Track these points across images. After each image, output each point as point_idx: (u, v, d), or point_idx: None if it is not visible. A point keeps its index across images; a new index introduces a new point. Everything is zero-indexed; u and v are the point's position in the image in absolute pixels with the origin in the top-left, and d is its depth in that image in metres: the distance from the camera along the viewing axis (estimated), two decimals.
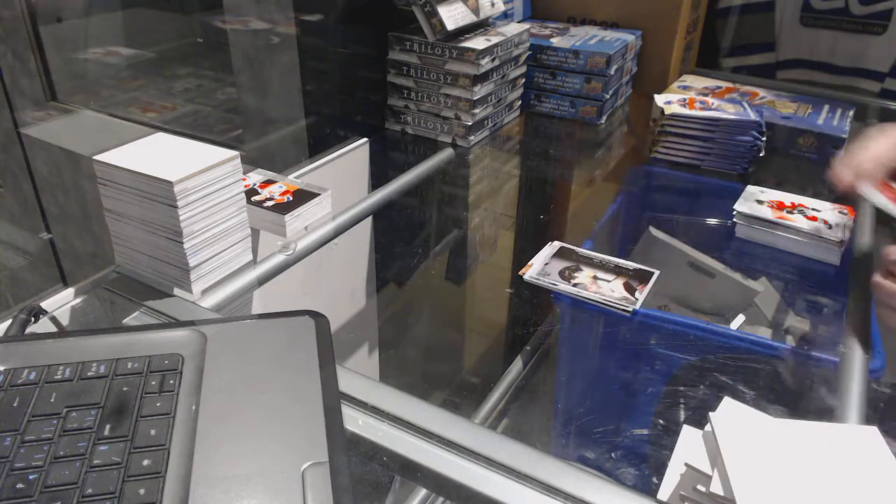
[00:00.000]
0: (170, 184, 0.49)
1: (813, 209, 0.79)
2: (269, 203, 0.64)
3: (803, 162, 0.94)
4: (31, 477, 0.35)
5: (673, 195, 0.97)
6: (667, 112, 0.93)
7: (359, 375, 0.46)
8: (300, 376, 0.43)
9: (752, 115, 0.90)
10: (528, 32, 0.99)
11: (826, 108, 1.00)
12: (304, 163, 0.84)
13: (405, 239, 0.93)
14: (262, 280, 0.61)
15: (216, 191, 0.53)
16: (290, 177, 0.70)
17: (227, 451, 0.37)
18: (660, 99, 0.97)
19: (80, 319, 0.54)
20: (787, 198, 0.82)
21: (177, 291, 0.55)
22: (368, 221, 0.81)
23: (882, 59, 1.22)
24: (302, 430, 0.39)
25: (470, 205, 0.96)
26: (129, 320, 0.52)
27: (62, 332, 0.53)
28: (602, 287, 0.67)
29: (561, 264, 0.71)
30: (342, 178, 0.89)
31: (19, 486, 0.34)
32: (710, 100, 0.95)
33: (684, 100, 0.96)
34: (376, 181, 0.89)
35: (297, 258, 0.65)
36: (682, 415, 0.68)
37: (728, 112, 0.92)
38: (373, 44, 0.93)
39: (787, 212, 0.78)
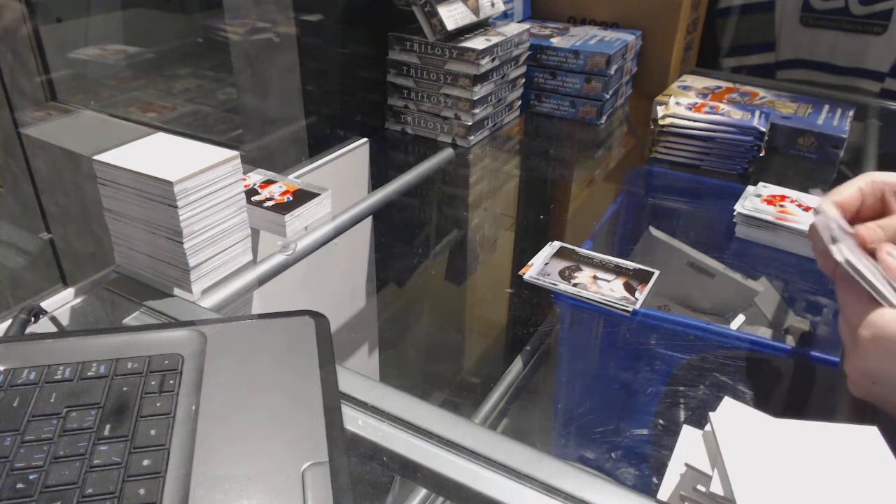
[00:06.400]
0: (170, 184, 0.49)
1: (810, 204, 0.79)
2: (269, 203, 0.64)
3: (803, 162, 0.94)
4: (31, 477, 0.35)
5: (673, 195, 0.97)
6: (669, 112, 0.93)
7: (359, 375, 0.46)
8: (300, 376, 0.43)
9: (756, 122, 0.90)
10: (528, 32, 0.99)
11: (826, 108, 1.00)
12: (304, 163, 0.84)
13: (405, 239, 0.93)
14: (262, 280, 0.61)
15: (216, 191, 0.53)
16: (290, 177, 0.70)
17: (227, 451, 0.37)
18: (668, 101, 0.97)
19: (80, 319, 0.54)
20: (788, 192, 0.82)
21: (177, 291, 0.55)
22: (368, 221, 0.81)
23: (882, 59, 1.22)
24: (302, 430, 0.39)
25: (470, 205, 0.96)
26: (129, 320, 0.52)
27: (62, 332, 0.53)
28: (602, 287, 0.67)
29: (561, 264, 0.71)
30: (342, 178, 0.89)
31: (19, 486, 0.34)
32: (720, 104, 0.95)
33: (693, 104, 0.96)
34: (376, 181, 0.89)
35: (297, 258, 0.65)
36: (682, 415, 0.68)
37: (732, 117, 0.92)
38: (373, 44, 0.93)
39: (786, 204, 0.78)
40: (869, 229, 0.48)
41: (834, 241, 0.46)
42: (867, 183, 0.50)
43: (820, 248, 0.48)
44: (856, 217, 0.51)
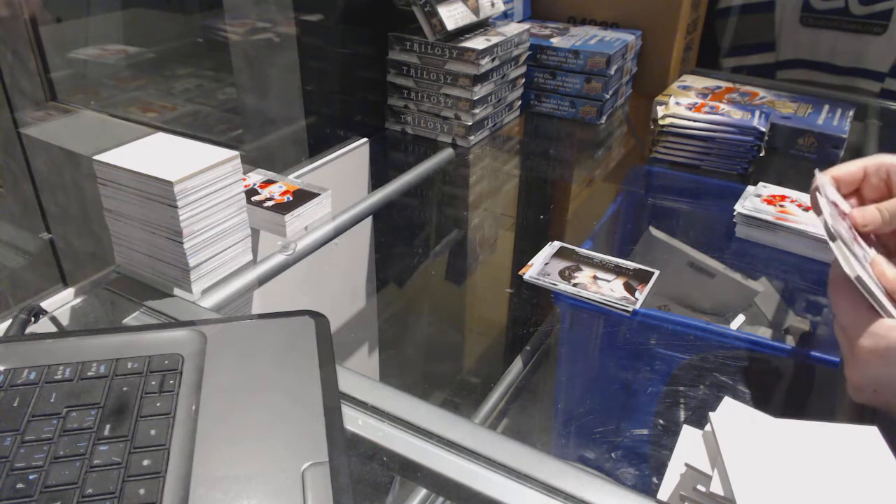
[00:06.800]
0: (170, 184, 0.49)
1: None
2: (269, 203, 0.64)
3: (803, 162, 0.94)
4: (31, 477, 0.35)
5: (673, 195, 0.97)
6: (669, 112, 0.93)
7: (359, 375, 0.46)
8: (300, 376, 0.43)
9: (756, 122, 0.90)
10: (528, 32, 0.99)
11: (826, 108, 1.00)
12: (304, 163, 0.84)
13: (405, 239, 0.93)
14: (262, 280, 0.61)
15: (216, 191, 0.53)
16: (290, 177, 0.70)
17: (227, 451, 0.37)
18: (668, 101, 0.97)
19: (80, 319, 0.54)
20: (788, 192, 0.82)
21: (177, 291, 0.55)
22: (368, 221, 0.81)
23: (882, 59, 1.22)
24: (302, 430, 0.39)
25: (470, 205, 0.96)
26: (129, 320, 0.52)
27: (62, 332, 0.53)
28: (602, 287, 0.67)
29: (561, 264, 0.71)
30: (342, 178, 0.89)
31: (19, 486, 0.34)
32: (720, 105, 0.96)
33: (693, 104, 0.96)
34: (376, 181, 0.89)
35: (297, 258, 0.65)
36: (682, 415, 0.68)
37: (732, 117, 0.92)
38: (373, 44, 0.93)
39: (786, 204, 0.78)
40: (862, 212, 0.47)
41: (832, 237, 0.45)
42: (874, 162, 0.49)
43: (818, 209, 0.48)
44: (857, 195, 0.50)
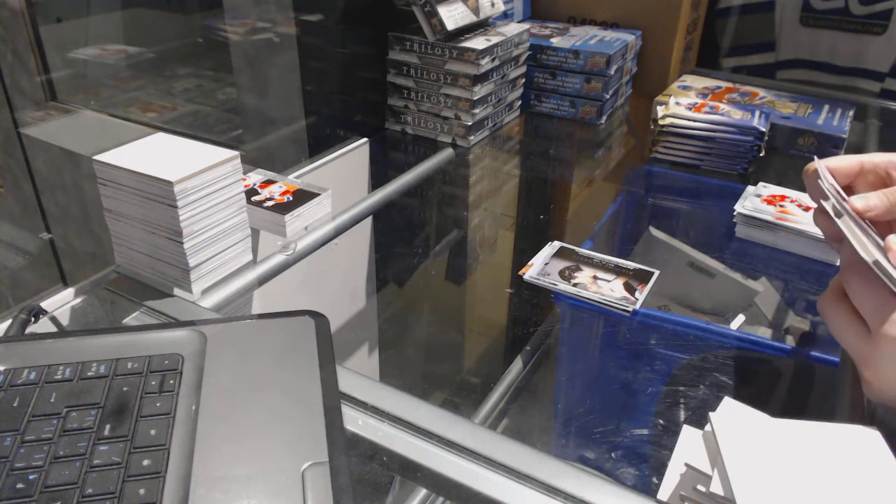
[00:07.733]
0: (170, 184, 0.49)
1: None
2: (269, 203, 0.64)
3: (803, 162, 0.94)
4: (31, 477, 0.35)
5: (673, 195, 0.97)
6: (669, 112, 0.93)
7: (359, 375, 0.46)
8: (300, 376, 0.43)
9: (756, 122, 0.90)
10: (528, 32, 0.99)
11: (826, 108, 1.00)
12: (304, 163, 0.84)
13: (405, 239, 0.93)
14: (262, 280, 0.61)
15: (216, 191, 0.53)
16: (290, 177, 0.70)
17: (227, 451, 0.37)
18: (668, 101, 0.97)
19: (80, 319, 0.54)
20: (788, 192, 0.82)
21: (177, 291, 0.55)
22: (368, 221, 0.81)
23: (882, 59, 1.22)
24: (302, 430, 0.39)
25: (470, 205, 0.96)
26: (129, 320, 0.52)
27: (62, 332, 0.53)
28: (602, 287, 0.67)
29: (561, 264, 0.71)
30: (342, 178, 0.89)
31: (19, 486, 0.34)
32: (720, 105, 0.96)
33: (693, 104, 0.96)
34: (376, 181, 0.89)
35: (297, 258, 0.65)
36: (682, 415, 0.68)
37: (732, 117, 0.92)
38: (373, 44, 0.93)
39: (786, 204, 0.78)
40: (864, 198, 0.44)
41: (838, 214, 0.43)
42: (870, 158, 0.47)
43: (817, 193, 0.46)
44: (849, 191, 0.48)
